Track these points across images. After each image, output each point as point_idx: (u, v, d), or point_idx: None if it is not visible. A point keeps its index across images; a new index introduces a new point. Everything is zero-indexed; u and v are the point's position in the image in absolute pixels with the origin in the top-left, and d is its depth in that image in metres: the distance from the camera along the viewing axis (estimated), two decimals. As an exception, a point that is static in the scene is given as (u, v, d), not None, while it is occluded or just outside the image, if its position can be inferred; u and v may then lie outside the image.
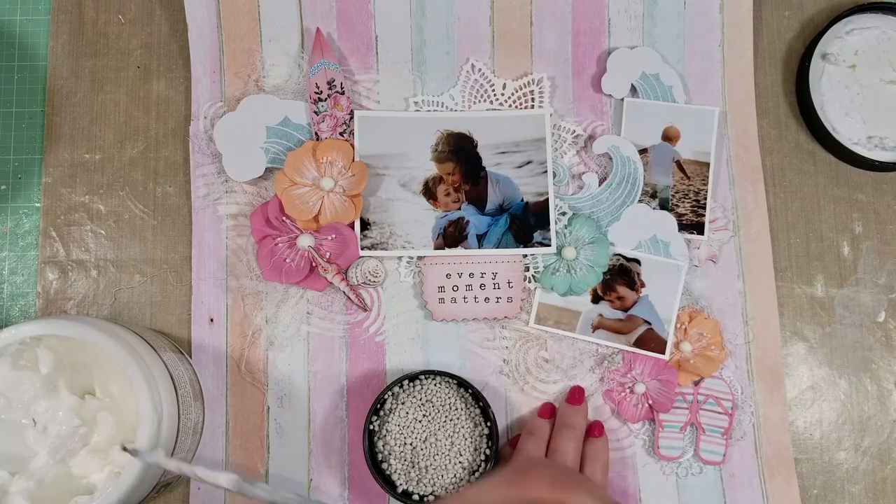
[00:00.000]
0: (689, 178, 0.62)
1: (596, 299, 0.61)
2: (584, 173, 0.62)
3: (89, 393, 0.53)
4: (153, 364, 0.51)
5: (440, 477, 0.56)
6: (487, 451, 0.57)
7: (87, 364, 0.52)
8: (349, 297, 0.59)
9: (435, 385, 0.58)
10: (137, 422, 0.48)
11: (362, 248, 0.60)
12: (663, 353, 0.60)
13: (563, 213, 0.61)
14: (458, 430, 0.57)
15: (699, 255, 0.61)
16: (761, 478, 0.60)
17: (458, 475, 0.56)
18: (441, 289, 0.60)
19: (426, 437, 0.56)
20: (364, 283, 0.59)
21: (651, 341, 0.60)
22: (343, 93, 0.60)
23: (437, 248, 0.60)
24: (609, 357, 0.60)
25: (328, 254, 0.59)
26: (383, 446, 0.57)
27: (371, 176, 0.60)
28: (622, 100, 0.62)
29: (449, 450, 0.56)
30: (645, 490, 0.59)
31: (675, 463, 0.60)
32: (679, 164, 0.62)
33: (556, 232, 0.60)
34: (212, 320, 0.60)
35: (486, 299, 0.60)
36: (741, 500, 0.59)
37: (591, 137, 0.62)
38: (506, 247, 0.60)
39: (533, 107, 0.62)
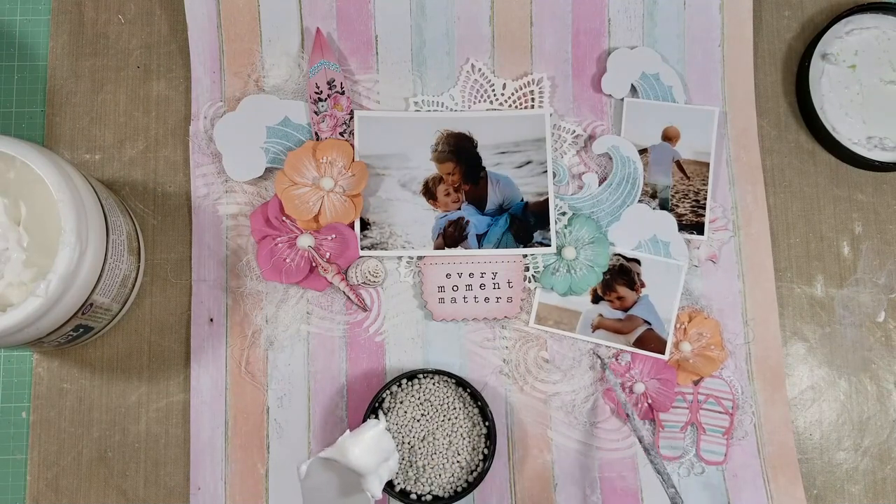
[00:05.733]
0: (688, 178, 0.62)
1: (596, 299, 0.61)
2: (584, 173, 0.62)
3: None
4: (87, 197, 0.50)
5: (438, 476, 0.56)
6: (485, 451, 0.57)
7: (19, 194, 0.51)
8: (349, 297, 0.59)
9: (433, 384, 0.58)
10: (58, 246, 0.47)
11: (362, 248, 0.60)
12: (663, 353, 0.60)
13: (563, 213, 0.61)
14: (456, 429, 0.57)
15: (699, 255, 0.61)
16: (765, 478, 0.59)
17: (455, 474, 0.56)
18: (441, 289, 0.60)
19: (424, 437, 0.56)
20: (364, 283, 0.59)
21: (651, 341, 0.60)
22: (343, 93, 0.60)
23: (437, 248, 0.60)
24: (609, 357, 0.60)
25: (328, 254, 0.59)
26: (382, 445, 0.57)
27: (371, 176, 0.60)
28: (622, 100, 0.63)
29: (447, 449, 0.56)
30: (646, 490, 0.59)
31: (676, 463, 0.60)
32: (679, 164, 0.62)
33: (556, 232, 0.61)
34: (212, 320, 0.60)
35: (486, 299, 0.60)
36: (745, 501, 0.59)
37: (591, 137, 0.62)
38: (506, 247, 0.60)
39: (533, 107, 0.62)
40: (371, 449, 0.53)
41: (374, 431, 0.54)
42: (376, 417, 0.57)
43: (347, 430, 0.54)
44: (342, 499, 0.54)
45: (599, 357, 0.60)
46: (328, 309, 0.60)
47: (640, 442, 0.56)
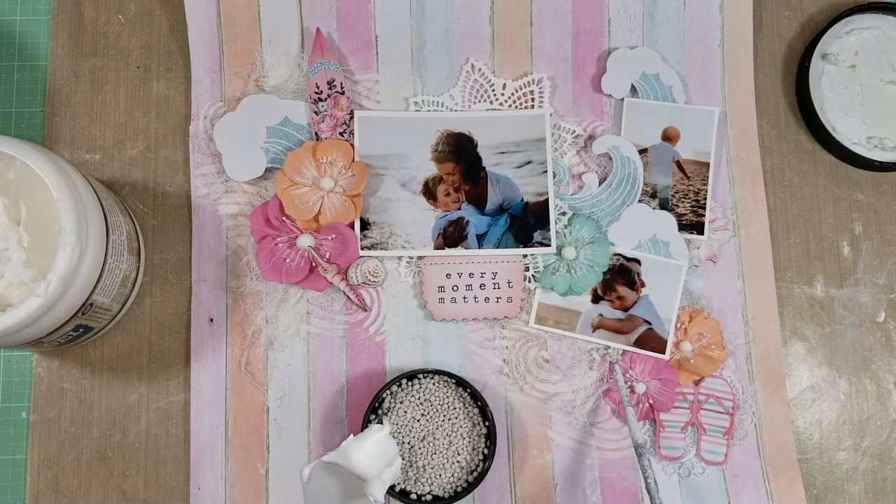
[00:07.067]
0: (688, 178, 0.62)
1: (596, 299, 0.61)
2: (584, 173, 0.62)
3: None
4: (87, 197, 0.50)
5: (438, 476, 0.56)
6: (485, 451, 0.57)
7: (19, 194, 0.51)
8: (349, 297, 0.59)
9: (433, 384, 0.58)
10: (58, 246, 0.47)
11: (362, 248, 0.60)
12: (663, 353, 0.60)
13: (563, 213, 0.61)
14: (456, 429, 0.57)
15: (699, 255, 0.61)
16: (765, 478, 0.59)
17: (455, 474, 0.56)
18: (441, 289, 0.60)
19: (424, 437, 0.56)
20: (364, 283, 0.59)
21: (651, 341, 0.60)
22: (343, 93, 0.60)
23: (437, 248, 0.60)
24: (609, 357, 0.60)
25: (328, 254, 0.59)
26: (382, 445, 0.57)
27: (371, 176, 0.60)
28: (622, 100, 0.63)
29: (447, 449, 0.56)
30: (646, 490, 0.59)
31: (676, 463, 0.60)
32: (679, 164, 0.62)
33: (556, 232, 0.61)
34: (212, 320, 0.60)
35: (486, 299, 0.60)
36: (745, 501, 0.59)
37: (591, 137, 0.62)
38: (506, 247, 0.60)
39: (533, 107, 0.62)
40: (375, 454, 0.53)
41: (378, 436, 0.54)
42: (376, 416, 0.57)
43: (351, 435, 0.54)
44: (344, 503, 0.54)
45: (612, 361, 0.60)
46: (328, 309, 0.60)
47: (635, 445, 0.56)
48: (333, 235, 0.59)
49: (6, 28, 0.63)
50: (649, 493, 0.54)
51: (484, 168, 0.61)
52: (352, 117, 0.61)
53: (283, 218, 0.59)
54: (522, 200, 0.61)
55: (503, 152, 0.61)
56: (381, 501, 0.52)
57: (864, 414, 0.62)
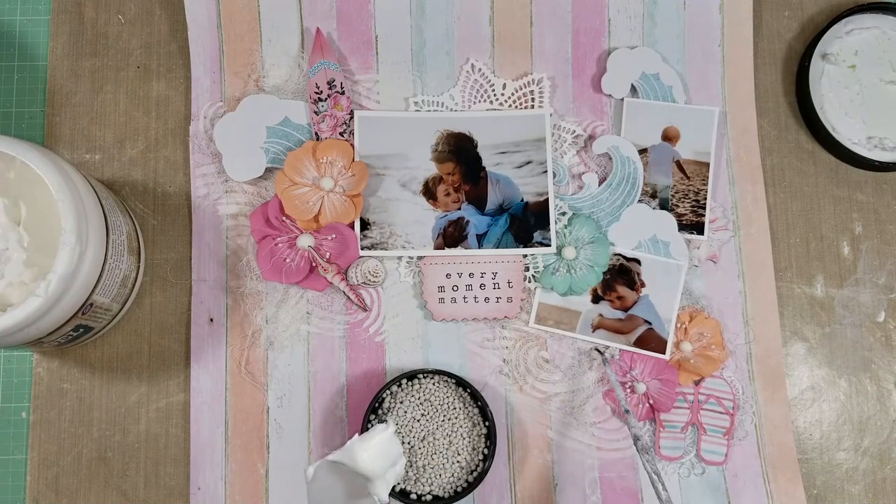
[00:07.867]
0: (688, 178, 0.62)
1: (596, 299, 0.61)
2: (583, 173, 0.62)
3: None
4: (87, 197, 0.50)
5: (438, 476, 0.56)
6: (485, 451, 0.57)
7: (19, 194, 0.51)
8: (349, 297, 0.59)
9: (433, 384, 0.58)
10: (58, 246, 0.47)
11: (362, 248, 0.60)
12: (664, 353, 0.60)
13: (563, 213, 0.61)
14: (456, 429, 0.57)
15: (699, 255, 0.61)
16: (765, 478, 0.59)
17: (455, 474, 0.56)
18: (441, 289, 0.60)
19: (424, 437, 0.56)
20: (364, 283, 0.59)
21: (651, 341, 0.60)
22: (343, 93, 0.60)
23: (437, 248, 0.60)
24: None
25: (328, 254, 0.59)
26: (382, 445, 0.57)
27: (371, 176, 0.60)
28: (622, 100, 0.63)
29: (447, 449, 0.56)
30: (646, 490, 0.59)
31: (676, 463, 0.60)
32: (679, 164, 0.62)
33: (556, 232, 0.61)
34: (212, 320, 0.60)
35: (486, 299, 0.60)
36: (745, 501, 0.59)
37: (591, 137, 0.62)
38: (506, 247, 0.60)
39: (533, 107, 0.62)
40: (379, 454, 0.53)
41: (383, 436, 0.53)
42: (376, 416, 0.57)
43: (356, 434, 0.54)
44: (348, 502, 0.54)
45: (600, 352, 0.60)
46: (328, 309, 0.60)
47: (636, 442, 0.55)
48: (333, 235, 0.59)
49: (6, 28, 0.63)
50: (654, 486, 0.53)
51: (484, 168, 0.61)
52: (352, 117, 0.61)
53: (283, 218, 0.59)
54: (522, 200, 0.61)
55: (503, 152, 0.61)
56: (386, 501, 0.52)
57: (864, 414, 0.62)
